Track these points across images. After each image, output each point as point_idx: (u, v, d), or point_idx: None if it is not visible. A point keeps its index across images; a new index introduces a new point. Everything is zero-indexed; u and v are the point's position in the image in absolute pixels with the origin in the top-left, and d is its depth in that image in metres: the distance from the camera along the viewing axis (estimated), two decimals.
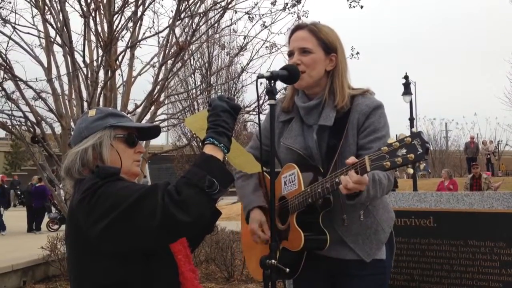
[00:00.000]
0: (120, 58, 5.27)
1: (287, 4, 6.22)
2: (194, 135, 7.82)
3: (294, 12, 6.26)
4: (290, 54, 2.22)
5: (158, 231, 1.48)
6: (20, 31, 5.57)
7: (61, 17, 5.24)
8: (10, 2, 5.67)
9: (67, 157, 1.76)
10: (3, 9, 5.61)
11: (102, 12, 5.29)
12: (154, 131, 1.97)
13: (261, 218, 2.22)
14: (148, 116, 5.54)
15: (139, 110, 5.45)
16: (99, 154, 1.73)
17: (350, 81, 2.24)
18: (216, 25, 7.46)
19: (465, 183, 14.54)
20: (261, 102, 2.10)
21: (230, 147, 1.66)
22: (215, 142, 1.60)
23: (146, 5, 5.49)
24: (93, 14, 5.09)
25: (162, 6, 8.46)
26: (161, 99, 5.85)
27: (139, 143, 1.86)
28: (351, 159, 1.83)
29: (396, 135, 2.23)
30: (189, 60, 10.89)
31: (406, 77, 19.18)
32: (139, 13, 5.42)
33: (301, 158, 2.20)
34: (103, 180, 1.60)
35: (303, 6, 6.25)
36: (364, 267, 2.17)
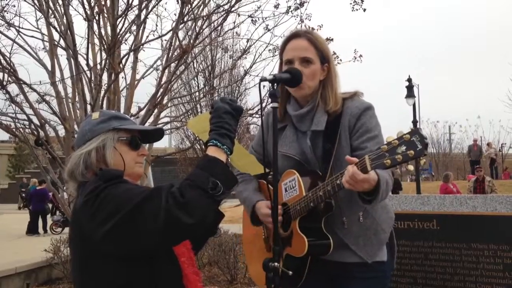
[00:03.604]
0: (123, 61, 5.29)
1: (290, 7, 6.25)
2: (197, 138, 7.82)
3: (297, 15, 6.29)
4: (289, 62, 2.19)
5: (162, 233, 1.48)
6: (24, 34, 5.62)
7: (65, 21, 5.27)
8: (15, 6, 5.72)
9: (70, 160, 1.76)
10: (7, 13, 5.65)
11: (105, 15, 5.31)
12: (157, 134, 1.98)
13: (268, 204, 2.22)
14: (151, 119, 5.56)
15: (142, 113, 5.47)
16: (103, 157, 1.74)
17: (340, 87, 2.26)
18: (219, 28, 7.50)
19: (468, 186, 14.51)
20: (264, 104, 2.11)
21: (233, 149, 1.66)
22: (218, 144, 1.61)
23: (150, 8, 5.52)
24: (96, 18, 5.12)
25: (165, 9, 8.57)
26: (164, 102, 5.87)
27: (142, 145, 1.87)
28: (351, 158, 1.82)
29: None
30: (192, 63, 10.90)
31: (409, 80, 19.17)
32: (142, 17, 5.45)
33: (298, 164, 2.21)
34: (107, 183, 1.60)
35: (305, 9, 6.29)
36: (366, 269, 2.17)
